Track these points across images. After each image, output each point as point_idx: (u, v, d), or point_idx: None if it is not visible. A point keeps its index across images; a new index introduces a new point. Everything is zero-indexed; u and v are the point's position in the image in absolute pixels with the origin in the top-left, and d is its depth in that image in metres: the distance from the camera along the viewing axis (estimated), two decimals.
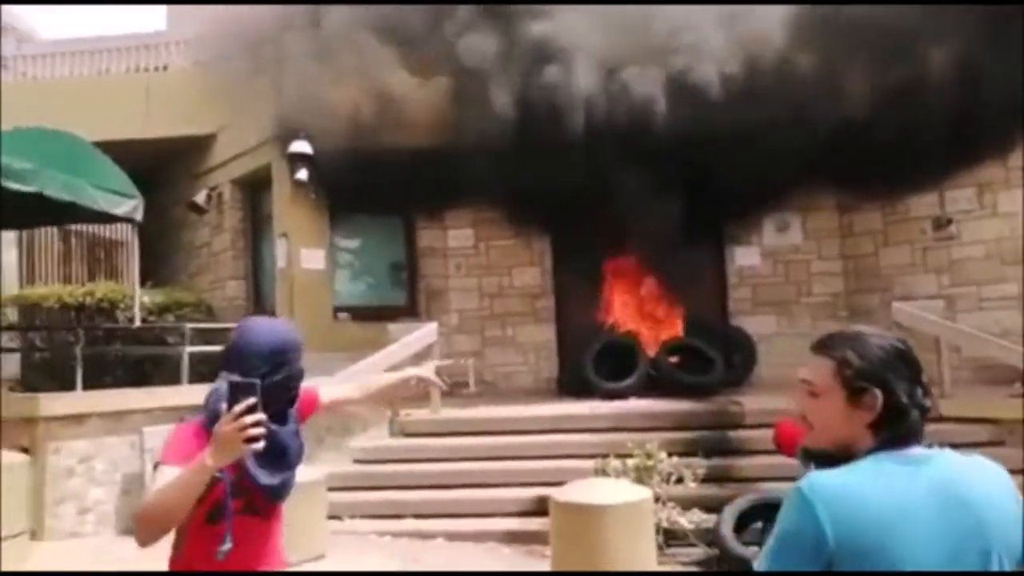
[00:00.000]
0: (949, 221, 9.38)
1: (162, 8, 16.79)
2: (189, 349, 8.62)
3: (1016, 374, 8.12)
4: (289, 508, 4.16)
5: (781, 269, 10.51)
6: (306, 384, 2.51)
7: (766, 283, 10.50)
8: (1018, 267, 8.92)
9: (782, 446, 5.19)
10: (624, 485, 4.99)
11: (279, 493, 2.40)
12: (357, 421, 7.82)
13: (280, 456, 2.35)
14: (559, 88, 8.74)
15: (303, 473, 4.98)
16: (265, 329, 2.41)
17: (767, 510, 5.99)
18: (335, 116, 8.98)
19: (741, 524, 6.02)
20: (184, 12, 13.38)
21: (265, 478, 2.33)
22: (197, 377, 8.99)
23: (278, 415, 2.30)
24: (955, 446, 5.22)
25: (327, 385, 2.79)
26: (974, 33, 8.29)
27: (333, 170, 9.16)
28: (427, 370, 2.99)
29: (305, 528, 4.09)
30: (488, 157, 8.70)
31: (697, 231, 9.54)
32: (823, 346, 1.71)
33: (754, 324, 10.27)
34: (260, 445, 2.03)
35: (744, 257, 10.52)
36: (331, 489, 7.16)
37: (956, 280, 9.37)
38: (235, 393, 2.05)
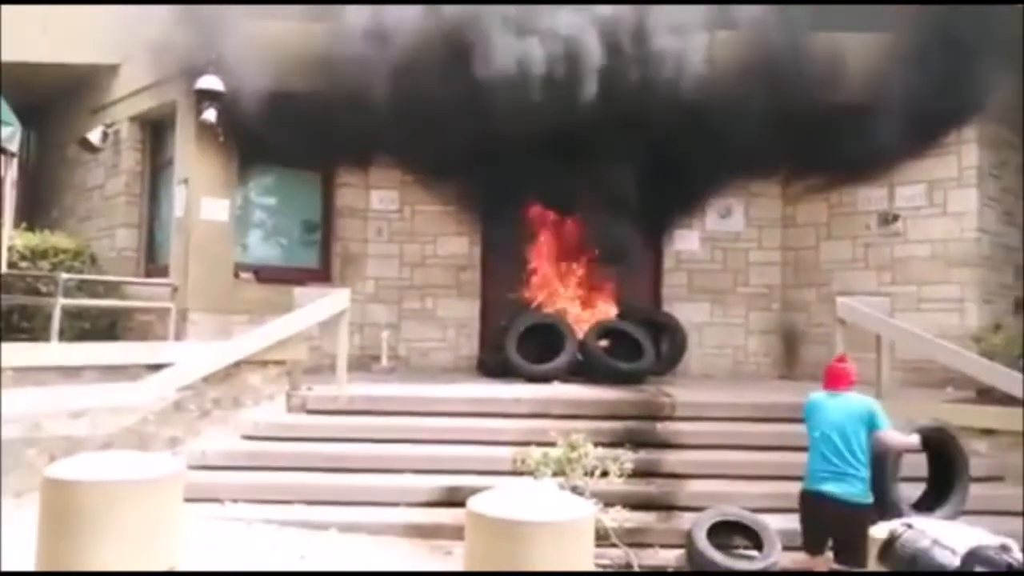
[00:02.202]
0: (896, 217, 9.03)
1: None
2: (63, 302, 7.58)
3: (948, 378, 7.85)
4: (132, 510, 3.36)
5: (720, 256, 10.03)
6: None
7: (704, 270, 10.01)
8: (963, 269, 8.64)
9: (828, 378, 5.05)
10: (561, 494, 4.31)
11: None
12: (249, 392, 6.97)
13: None
14: (506, 47, 8.05)
15: (149, 464, 4.11)
16: None
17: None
18: (252, 51, 8.03)
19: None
20: None
21: None
22: (76, 334, 8.00)
23: None
24: None
25: None
26: (929, 25, 7.98)
27: (246, 112, 8.20)
28: None
29: (149, 535, 3.26)
30: (422, 111, 7.94)
31: (639, 211, 9.01)
32: None
33: (687, 311, 9.78)
34: None
35: (683, 241, 10.00)
36: (214, 468, 6.38)
37: (897, 279, 9.03)
38: None
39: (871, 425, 4.85)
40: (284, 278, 8.96)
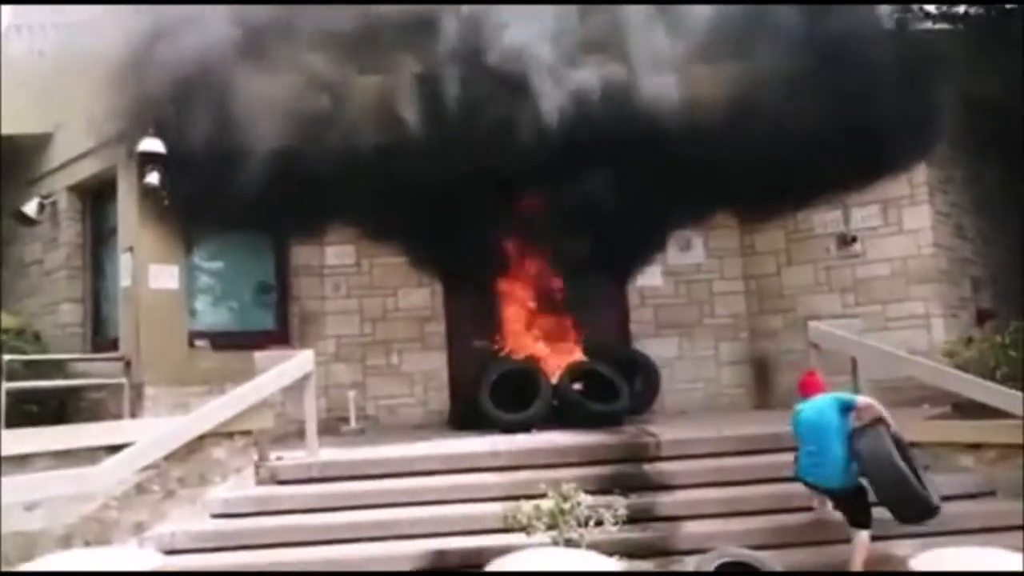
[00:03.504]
0: (854, 239, 9.13)
1: None
2: (7, 385, 7.14)
3: (922, 395, 7.86)
4: None
5: (683, 289, 9.98)
6: None
7: (669, 304, 9.94)
8: (924, 286, 8.74)
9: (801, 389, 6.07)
10: (588, 557, 4.05)
11: None
12: (216, 467, 6.57)
13: None
14: (459, 98, 7.94)
15: (132, 560, 3.73)
16: None
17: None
18: (196, 110, 7.75)
19: None
20: None
21: None
22: (22, 419, 7.49)
23: None
24: None
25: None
26: (877, 50, 8.13)
27: (191, 174, 7.89)
28: None
29: None
30: (378, 168, 7.76)
31: (600, 250, 8.94)
32: None
33: (657, 347, 9.68)
34: None
35: (646, 277, 9.93)
36: (184, 552, 5.95)
37: (861, 299, 9.10)
38: None
39: (844, 408, 5.71)
40: (241, 343, 8.58)
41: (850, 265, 9.21)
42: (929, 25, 9.20)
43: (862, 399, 5.86)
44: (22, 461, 5.85)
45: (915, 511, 5.49)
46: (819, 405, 5.76)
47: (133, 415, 7.63)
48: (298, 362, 7.23)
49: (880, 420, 5.66)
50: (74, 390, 8.35)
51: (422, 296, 9.77)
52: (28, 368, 7.94)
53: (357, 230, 9.64)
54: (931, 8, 9.68)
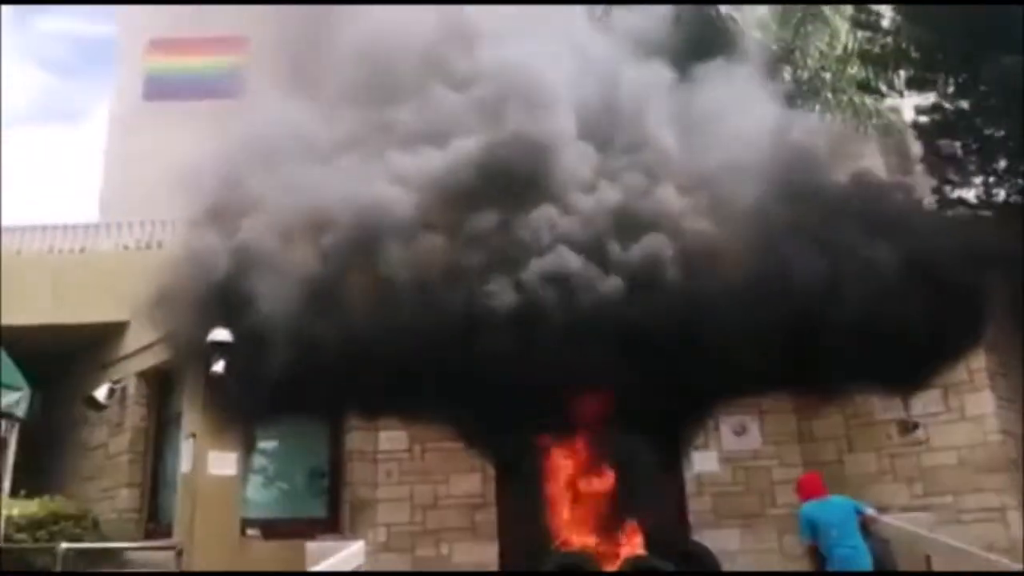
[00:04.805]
0: (916, 425, 8.89)
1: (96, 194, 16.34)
2: None
3: None
4: None
5: (742, 476, 9.72)
6: None
7: (727, 492, 9.66)
8: (995, 475, 8.38)
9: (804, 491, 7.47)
10: None
11: None
12: None
13: None
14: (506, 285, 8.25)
15: None
16: None
17: None
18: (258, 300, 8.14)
19: None
20: (118, 198, 12.85)
21: None
22: None
23: None
24: None
25: None
26: (932, 234, 8.31)
27: (256, 363, 8.18)
28: None
29: None
30: (434, 357, 7.95)
31: (652, 433, 8.83)
32: None
33: (717, 538, 9.27)
34: None
35: (702, 462, 9.73)
36: None
37: (930, 489, 8.74)
38: None
39: (858, 512, 7.06)
40: (291, 531, 8.56)
41: (915, 453, 8.92)
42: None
43: (870, 511, 7.16)
44: None
45: None
46: (841, 505, 7.08)
47: None
48: (349, 555, 7.15)
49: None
50: None
51: (473, 483, 9.67)
52: (81, 555, 7.98)
53: (410, 416, 9.72)
54: (971, 197, 9.97)
